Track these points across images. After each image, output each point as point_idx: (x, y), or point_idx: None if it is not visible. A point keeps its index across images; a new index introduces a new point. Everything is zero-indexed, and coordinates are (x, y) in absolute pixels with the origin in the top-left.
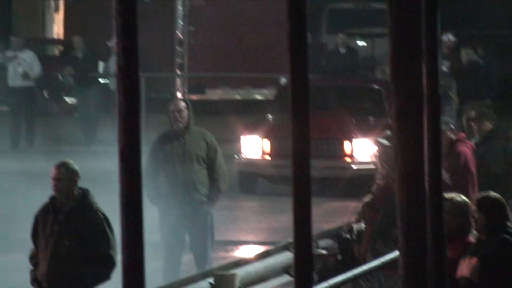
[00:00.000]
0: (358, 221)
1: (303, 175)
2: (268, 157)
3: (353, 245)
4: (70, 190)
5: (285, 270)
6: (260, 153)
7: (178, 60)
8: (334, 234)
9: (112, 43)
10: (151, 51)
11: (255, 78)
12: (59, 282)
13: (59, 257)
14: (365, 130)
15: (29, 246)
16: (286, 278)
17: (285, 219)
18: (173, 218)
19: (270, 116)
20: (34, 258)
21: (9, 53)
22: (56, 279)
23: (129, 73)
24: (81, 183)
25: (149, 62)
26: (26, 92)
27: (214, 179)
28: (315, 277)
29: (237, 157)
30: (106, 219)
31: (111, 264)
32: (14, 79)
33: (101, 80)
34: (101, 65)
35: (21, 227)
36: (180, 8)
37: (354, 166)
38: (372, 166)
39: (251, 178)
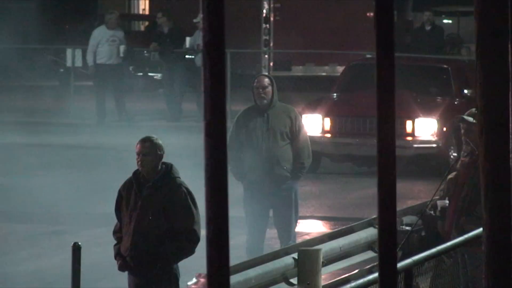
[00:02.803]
0: (442, 197)
1: (387, 152)
2: (329, 135)
3: (437, 221)
4: (155, 165)
5: (369, 246)
6: (321, 131)
7: (264, 37)
8: (418, 211)
9: (199, 19)
10: (237, 27)
11: (341, 55)
12: (143, 257)
13: (142, 231)
14: (429, 109)
15: (113, 220)
16: (370, 254)
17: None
18: (257, 194)
19: (334, 94)
20: (117, 233)
21: (107, 32)
22: (140, 253)
23: (215, 49)
24: (166, 159)
25: (235, 38)
26: (115, 69)
27: (298, 155)
28: (399, 253)
29: None
30: (189, 193)
31: (195, 239)
32: (104, 57)
33: (187, 56)
34: (187, 41)
35: (106, 201)
36: None
37: (415, 145)
38: (434, 145)
39: (314, 157)
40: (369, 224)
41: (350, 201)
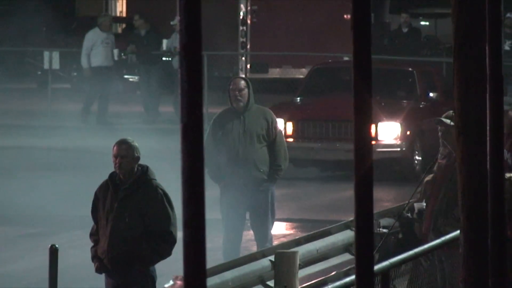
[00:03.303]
0: (419, 199)
1: (364, 155)
2: (291, 140)
3: (414, 223)
4: (132, 167)
5: (346, 248)
6: (284, 136)
7: (241, 39)
8: (395, 213)
9: (176, 21)
10: (214, 29)
11: (318, 57)
12: (119, 259)
13: (119, 234)
14: (393, 113)
15: (90, 222)
16: (347, 257)
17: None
18: (234, 196)
19: (297, 98)
20: (94, 235)
21: (101, 34)
22: (116, 255)
23: (192, 51)
24: (144, 161)
25: (212, 40)
26: (110, 71)
27: (275, 157)
28: (376, 255)
29: None
30: (166, 195)
31: (172, 241)
32: (99, 59)
33: (164, 58)
34: (164, 43)
35: (84, 204)
36: None
37: (378, 149)
38: (397, 149)
39: None
40: (346, 226)
41: (326, 204)
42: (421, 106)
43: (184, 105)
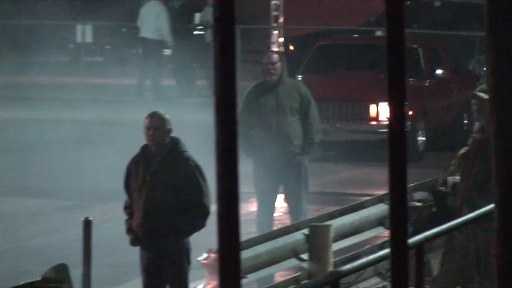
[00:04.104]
0: (453, 173)
1: (398, 129)
2: None
3: (448, 197)
4: (164, 139)
5: (379, 222)
6: None
7: (273, 13)
8: (429, 186)
9: None
10: (247, 2)
11: (351, 30)
12: (154, 231)
13: (152, 206)
14: None
15: (124, 195)
16: (380, 230)
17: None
18: (267, 170)
19: (299, 77)
20: (128, 208)
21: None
22: (151, 228)
23: (225, 24)
24: (178, 134)
25: (245, 13)
26: (151, 43)
27: (308, 130)
28: (410, 229)
29: None
30: (198, 167)
31: (205, 213)
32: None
33: (196, 32)
34: (196, 16)
35: (117, 177)
36: None
37: (380, 130)
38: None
39: None
40: (379, 200)
41: (358, 178)
42: (426, 84)
43: (217, 78)
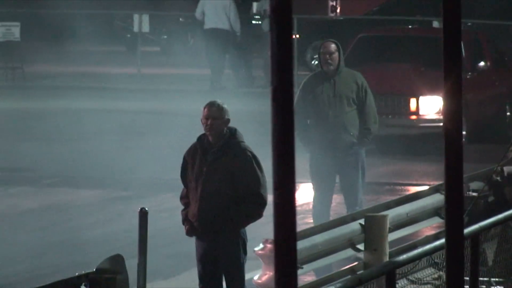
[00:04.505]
0: (509, 163)
1: (453, 118)
2: None
3: (504, 187)
4: (221, 129)
5: (435, 212)
6: None
7: (331, 3)
8: (485, 176)
9: None
10: None
11: (407, 20)
12: (210, 221)
13: (209, 196)
14: (435, 85)
15: (180, 186)
16: (436, 220)
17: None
18: (324, 159)
19: None
20: (184, 198)
21: None
22: (207, 218)
23: (282, 14)
24: (235, 124)
25: (302, 3)
26: (221, 34)
27: (364, 120)
28: (466, 219)
29: None
30: (255, 157)
31: (262, 203)
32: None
33: (254, 21)
34: (254, 6)
35: (172, 168)
36: None
37: (421, 124)
38: (440, 124)
39: None
40: (435, 190)
41: (414, 169)
42: (468, 77)
43: (274, 68)
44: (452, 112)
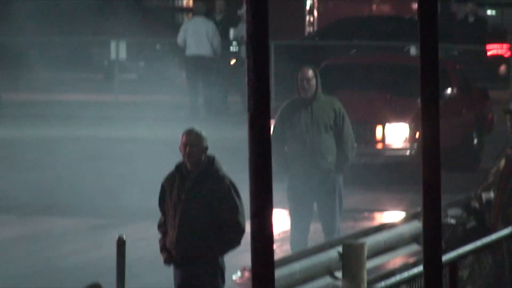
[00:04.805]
0: (486, 189)
1: (432, 146)
2: None
3: (482, 214)
4: (200, 157)
5: (413, 239)
6: None
7: (308, 28)
8: (463, 203)
9: (242, 11)
10: (280, 19)
11: (383, 46)
12: (188, 250)
13: (187, 225)
14: (402, 113)
15: (157, 214)
16: (414, 247)
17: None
18: (301, 187)
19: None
20: (162, 226)
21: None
22: (185, 246)
23: (259, 40)
24: (212, 151)
25: (278, 29)
26: (203, 60)
27: (342, 147)
28: (443, 246)
29: None
30: (233, 185)
31: (240, 231)
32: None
33: (231, 48)
34: (231, 32)
35: (149, 195)
36: None
37: (387, 154)
38: (406, 153)
39: None
40: (413, 217)
41: (390, 196)
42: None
43: (251, 95)
44: (430, 138)
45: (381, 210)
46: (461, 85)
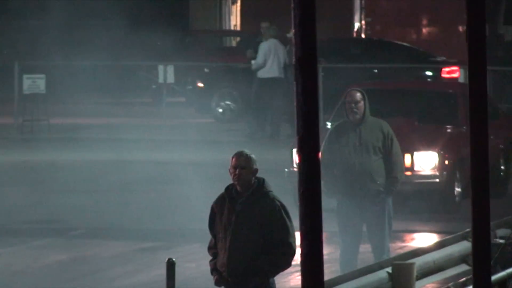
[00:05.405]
0: None
1: (481, 168)
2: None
3: None
4: (250, 179)
5: (462, 259)
6: None
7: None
8: (511, 223)
9: (291, 34)
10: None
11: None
12: (239, 271)
13: (238, 247)
14: (430, 141)
15: (206, 235)
16: (463, 268)
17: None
18: (350, 209)
19: (328, 123)
20: (212, 248)
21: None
22: (236, 268)
23: (307, 64)
24: (261, 174)
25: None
26: (279, 82)
27: (391, 169)
28: (493, 266)
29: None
30: (283, 207)
31: (291, 252)
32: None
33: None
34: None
35: (199, 217)
36: None
37: (416, 181)
38: (435, 180)
39: None
40: (462, 237)
41: (438, 216)
42: (462, 131)
43: (300, 117)
44: (480, 159)
45: (429, 231)
46: (488, 110)
